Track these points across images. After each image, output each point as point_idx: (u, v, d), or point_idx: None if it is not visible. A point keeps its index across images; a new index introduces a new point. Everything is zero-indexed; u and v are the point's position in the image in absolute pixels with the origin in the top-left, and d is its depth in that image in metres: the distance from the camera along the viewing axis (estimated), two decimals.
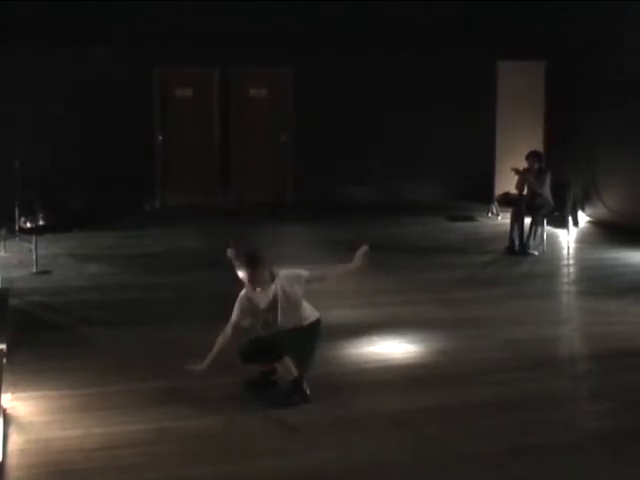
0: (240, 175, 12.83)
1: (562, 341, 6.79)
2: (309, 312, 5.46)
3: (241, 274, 5.37)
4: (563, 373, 5.99)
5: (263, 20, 12.05)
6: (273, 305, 5.30)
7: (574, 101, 12.18)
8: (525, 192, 10.02)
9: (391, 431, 4.92)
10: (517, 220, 9.86)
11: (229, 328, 5.33)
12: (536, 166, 9.89)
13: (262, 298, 5.32)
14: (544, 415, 5.17)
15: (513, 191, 10.42)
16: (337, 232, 10.81)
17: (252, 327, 5.43)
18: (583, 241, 10.62)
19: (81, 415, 5.06)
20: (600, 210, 11.71)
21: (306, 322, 5.41)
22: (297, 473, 4.44)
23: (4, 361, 4.79)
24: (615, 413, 5.22)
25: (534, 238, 9.83)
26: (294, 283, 5.36)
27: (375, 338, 6.57)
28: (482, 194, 12.68)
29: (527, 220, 9.90)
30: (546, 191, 9.88)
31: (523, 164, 9.97)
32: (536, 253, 9.74)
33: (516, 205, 10.02)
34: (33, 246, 8.74)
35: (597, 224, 11.60)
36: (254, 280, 5.29)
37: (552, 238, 10.39)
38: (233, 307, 5.37)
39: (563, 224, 10.49)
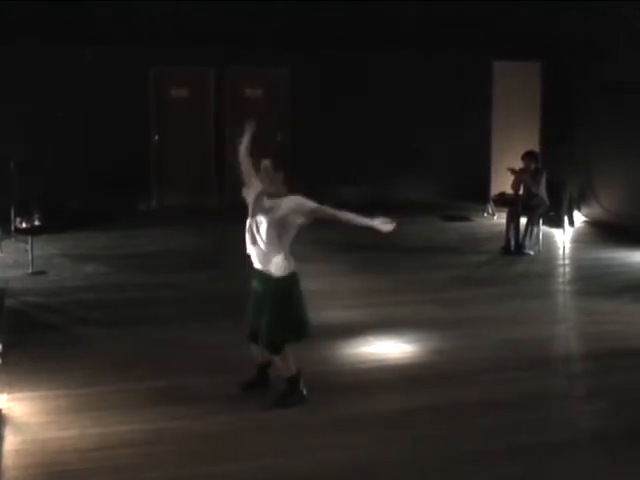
0: (236, 175, 12.78)
1: (558, 341, 6.80)
2: (285, 261, 5.13)
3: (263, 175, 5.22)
4: (559, 372, 5.99)
5: (259, 20, 12.04)
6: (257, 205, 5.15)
7: (570, 101, 12.19)
8: (521, 192, 10.03)
9: (388, 431, 4.92)
10: (513, 220, 9.87)
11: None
12: (532, 166, 9.89)
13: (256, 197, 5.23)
14: (540, 414, 5.18)
15: (509, 191, 10.42)
16: (332, 232, 10.79)
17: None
18: (579, 241, 10.64)
19: (77, 415, 5.05)
20: (596, 210, 11.73)
21: (276, 273, 5.12)
22: (294, 473, 4.43)
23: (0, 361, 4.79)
24: (611, 413, 5.23)
25: (530, 238, 9.83)
26: (297, 213, 5.10)
27: (371, 338, 6.57)
28: (478, 194, 12.69)
29: (523, 220, 9.91)
30: (542, 191, 9.89)
31: (519, 164, 9.97)
32: (532, 253, 9.75)
33: (512, 205, 10.03)
34: (29, 246, 8.71)
35: (593, 224, 11.61)
36: (270, 180, 5.16)
37: (548, 238, 10.41)
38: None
39: (559, 224, 10.49)
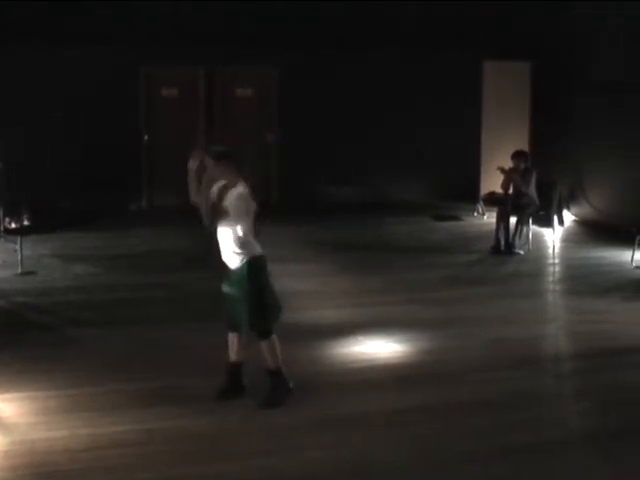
0: None
1: (548, 340, 6.82)
2: (246, 249, 5.16)
3: (211, 171, 5.13)
4: (549, 372, 6.01)
5: (249, 20, 12.03)
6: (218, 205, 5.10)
7: (559, 101, 12.23)
8: (511, 191, 10.06)
9: (379, 431, 4.92)
10: (503, 219, 9.88)
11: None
12: (522, 166, 9.92)
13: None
14: (531, 414, 5.19)
15: (499, 190, 10.45)
16: (322, 232, 10.82)
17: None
18: (568, 240, 10.67)
19: (66, 416, 5.02)
20: (585, 209, 11.77)
21: (238, 263, 5.15)
22: (286, 473, 4.43)
23: None
24: (601, 412, 5.25)
25: (520, 237, 9.86)
26: (250, 205, 5.14)
27: (361, 338, 6.56)
28: (468, 194, 12.72)
29: (513, 219, 9.93)
30: (531, 190, 9.91)
31: (509, 163, 10.00)
32: (522, 252, 9.78)
33: (502, 204, 10.05)
34: (18, 247, 8.68)
35: (582, 223, 11.65)
36: (219, 173, 5.10)
37: (537, 237, 10.44)
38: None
39: (548, 223, 10.51)
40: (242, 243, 5.17)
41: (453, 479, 4.42)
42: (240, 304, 5.17)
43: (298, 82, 12.64)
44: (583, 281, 8.54)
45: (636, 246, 9.01)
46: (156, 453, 4.59)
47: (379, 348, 6.39)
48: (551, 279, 8.89)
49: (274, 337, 5.24)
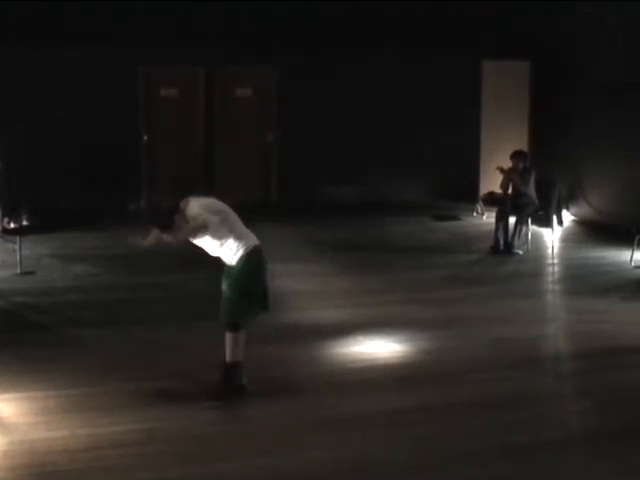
0: (225, 175, 12.80)
1: (548, 340, 6.81)
2: (235, 249, 5.28)
3: (168, 235, 5.27)
4: (549, 372, 6.01)
5: (249, 20, 12.03)
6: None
7: (559, 101, 12.23)
8: (510, 191, 10.06)
9: (379, 431, 4.92)
10: (502, 219, 9.88)
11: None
12: (521, 165, 9.92)
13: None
14: (531, 414, 5.18)
15: (498, 190, 10.45)
16: (322, 232, 10.82)
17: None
18: (568, 240, 10.67)
19: (66, 416, 5.02)
20: (585, 209, 11.77)
21: (236, 258, 5.28)
22: (286, 473, 4.42)
23: None
24: (601, 412, 5.25)
25: (519, 237, 9.86)
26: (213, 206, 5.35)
27: (361, 338, 6.56)
28: (467, 193, 12.72)
29: (512, 219, 9.93)
30: (531, 190, 9.91)
31: (508, 163, 10.00)
32: (521, 252, 9.78)
33: (501, 204, 10.05)
34: (17, 246, 8.67)
35: (582, 223, 11.65)
36: (180, 227, 5.21)
37: (537, 237, 10.44)
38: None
39: (548, 223, 10.52)
40: (233, 242, 5.27)
41: (453, 479, 4.42)
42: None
43: (298, 82, 12.64)
44: (582, 281, 8.54)
45: (635, 246, 9.01)
46: (156, 453, 4.59)
47: (379, 348, 6.39)
48: (550, 279, 8.89)
49: (242, 333, 5.23)
